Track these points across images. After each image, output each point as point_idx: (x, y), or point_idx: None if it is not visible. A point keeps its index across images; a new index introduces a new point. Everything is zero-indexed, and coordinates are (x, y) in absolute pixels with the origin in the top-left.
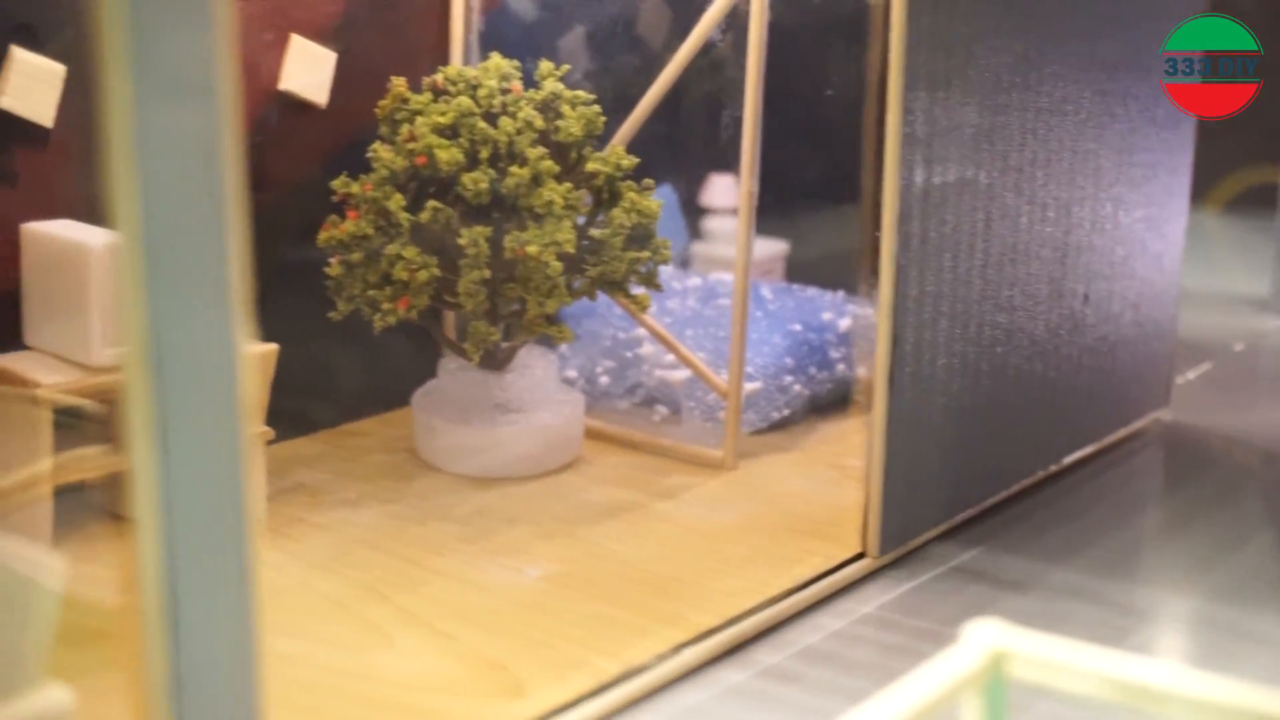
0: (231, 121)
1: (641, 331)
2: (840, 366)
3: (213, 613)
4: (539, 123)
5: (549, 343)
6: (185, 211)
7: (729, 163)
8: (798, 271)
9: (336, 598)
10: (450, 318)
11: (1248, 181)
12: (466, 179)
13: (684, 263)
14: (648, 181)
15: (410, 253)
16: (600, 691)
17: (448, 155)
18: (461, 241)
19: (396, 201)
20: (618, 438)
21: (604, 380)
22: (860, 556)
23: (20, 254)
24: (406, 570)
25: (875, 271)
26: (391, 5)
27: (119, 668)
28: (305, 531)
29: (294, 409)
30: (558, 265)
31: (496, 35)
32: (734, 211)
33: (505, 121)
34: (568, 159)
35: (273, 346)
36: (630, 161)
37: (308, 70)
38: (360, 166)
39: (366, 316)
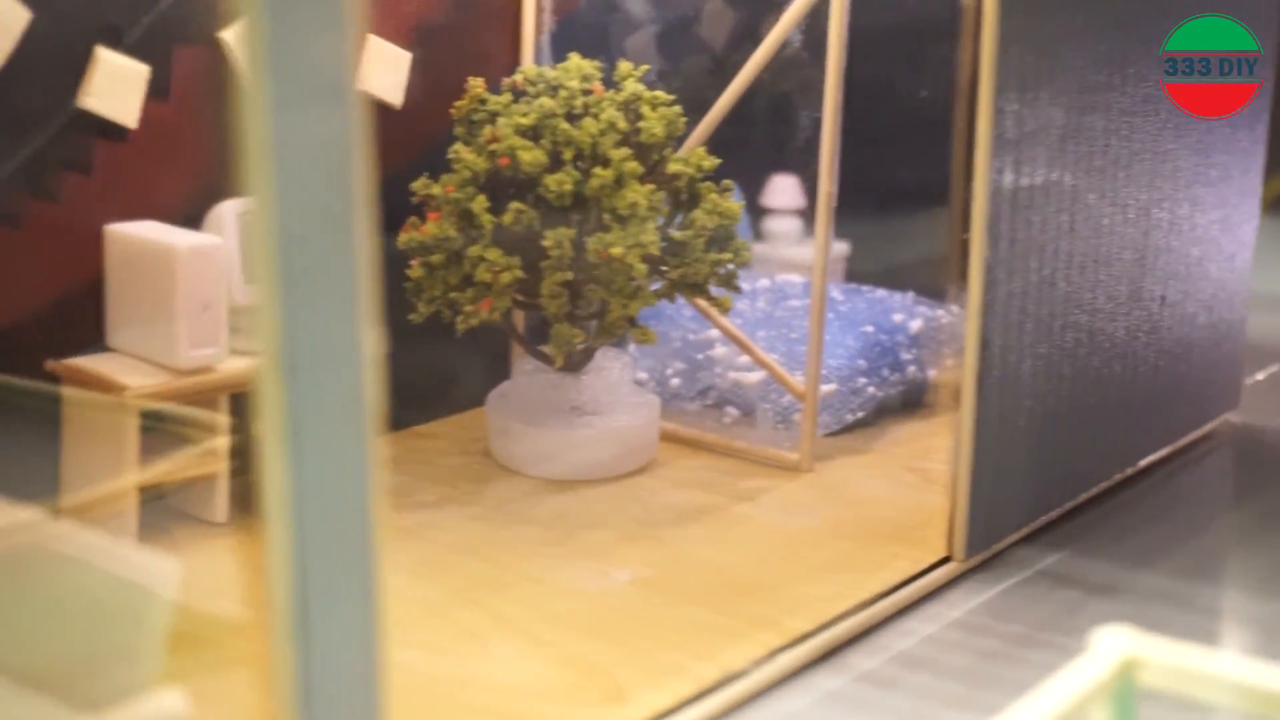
0: (362, 125)
1: (713, 333)
2: (911, 368)
3: (341, 620)
4: (622, 124)
5: (621, 344)
6: (319, 215)
7: (794, 163)
8: (857, 273)
9: (429, 602)
10: (520, 318)
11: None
12: (550, 180)
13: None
14: (727, 183)
15: (493, 254)
16: (701, 697)
17: (531, 156)
18: (546, 243)
19: (480, 203)
20: (690, 440)
21: (674, 382)
22: (946, 560)
23: (103, 254)
24: (494, 574)
25: (963, 274)
26: (466, 6)
27: (224, 672)
28: (389, 535)
29: None
30: (642, 267)
31: (566, 36)
32: (796, 212)
33: (588, 123)
34: (649, 160)
35: None
36: (711, 163)
37: (384, 71)
38: (435, 168)
39: (446, 319)
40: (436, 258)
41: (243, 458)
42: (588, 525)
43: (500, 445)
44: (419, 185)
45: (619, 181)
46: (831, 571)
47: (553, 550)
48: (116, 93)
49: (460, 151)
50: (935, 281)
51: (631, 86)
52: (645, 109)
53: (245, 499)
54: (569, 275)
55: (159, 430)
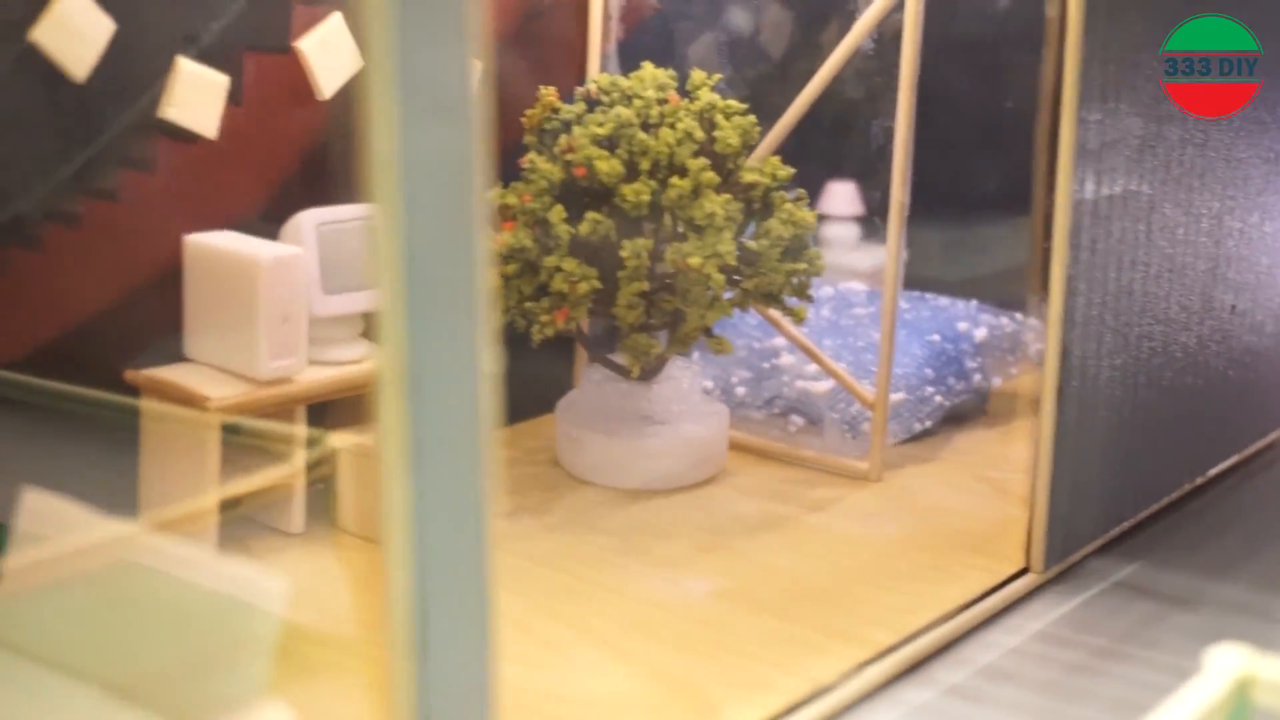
0: (483, 139)
1: (779, 342)
2: (976, 377)
3: (459, 637)
4: (699, 133)
5: (686, 353)
6: (442, 231)
7: (854, 170)
8: (914, 279)
9: (511, 614)
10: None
11: None
12: (627, 190)
13: None
14: (800, 192)
15: (570, 264)
16: (792, 711)
17: (608, 166)
18: (624, 254)
19: (558, 213)
20: (757, 449)
21: (740, 391)
22: (1024, 572)
23: (182, 264)
24: (572, 585)
25: (1044, 284)
26: (534, 15)
27: (325, 685)
28: None
29: None
30: (720, 277)
31: (633, 46)
32: (855, 219)
33: (665, 132)
34: (724, 169)
35: None
36: (786, 172)
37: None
38: (503, 177)
39: (520, 329)
40: (511, 267)
41: (320, 469)
42: (662, 535)
43: (570, 454)
44: (494, 195)
45: (696, 191)
46: (908, 582)
47: (629, 561)
48: (196, 103)
49: (536, 161)
50: (997, 289)
51: (706, 95)
52: (720, 118)
53: (320, 509)
54: (645, 285)
55: (239, 442)
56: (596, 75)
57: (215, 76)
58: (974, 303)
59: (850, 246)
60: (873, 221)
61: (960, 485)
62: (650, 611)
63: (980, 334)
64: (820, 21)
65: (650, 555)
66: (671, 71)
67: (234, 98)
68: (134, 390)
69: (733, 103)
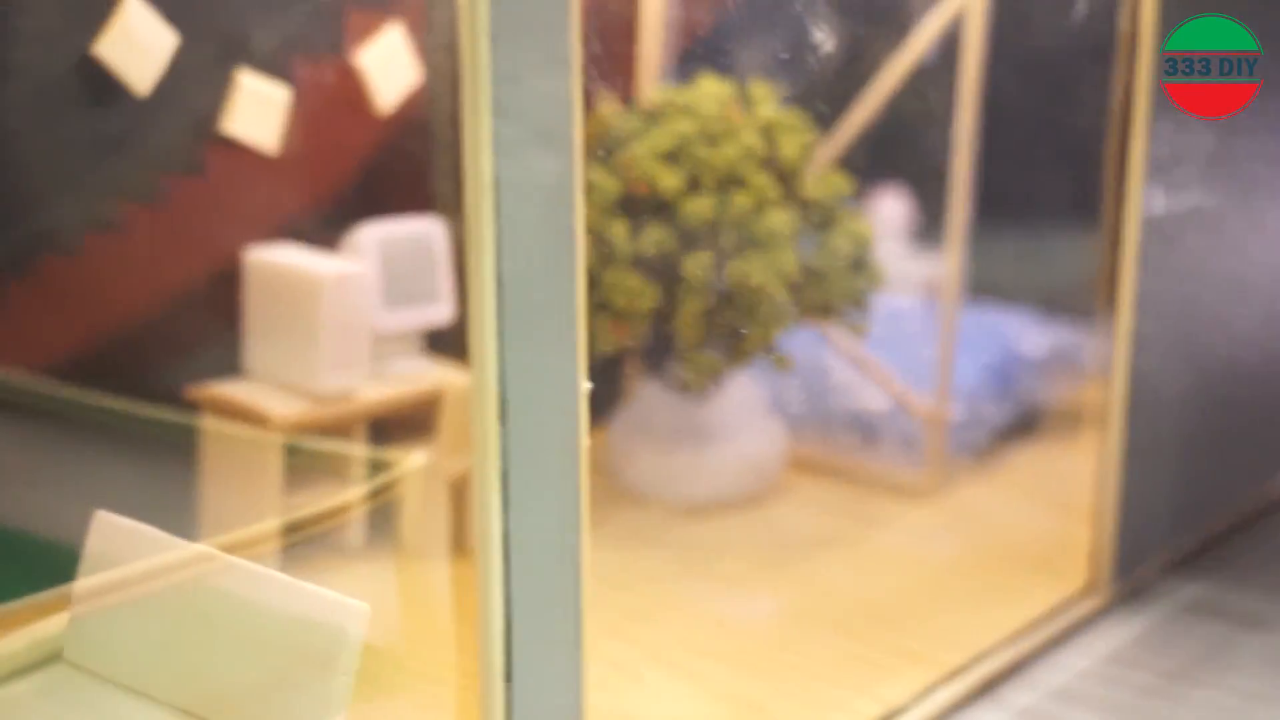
0: (579, 164)
1: (835, 356)
2: (1030, 392)
3: (551, 661)
4: (761, 148)
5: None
6: (538, 257)
7: (904, 180)
8: (969, 292)
9: None
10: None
11: None
12: (689, 205)
13: None
14: (858, 207)
15: (632, 281)
16: None
17: (670, 181)
18: (686, 270)
19: (620, 228)
20: (811, 464)
21: (796, 405)
22: (1090, 591)
23: (242, 277)
24: (636, 604)
25: (1111, 298)
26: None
27: (399, 707)
28: None
29: None
30: (783, 293)
31: (690, 58)
32: (905, 231)
33: (728, 146)
34: (786, 183)
35: None
36: (848, 187)
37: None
38: None
39: None
40: None
41: (382, 486)
42: (721, 553)
43: (624, 469)
44: None
45: (758, 206)
46: (972, 601)
47: (690, 579)
48: (257, 117)
49: (594, 175)
50: (1054, 302)
51: (768, 109)
52: (781, 132)
53: (380, 527)
54: (707, 302)
55: (302, 459)
56: (653, 88)
57: (275, 90)
58: (1026, 316)
59: (901, 258)
60: (924, 233)
61: (1019, 501)
62: (715, 631)
63: (1034, 347)
64: (879, 32)
65: (711, 573)
66: (733, 85)
67: (290, 107)
68: (188, 404)
69: (794, 116)
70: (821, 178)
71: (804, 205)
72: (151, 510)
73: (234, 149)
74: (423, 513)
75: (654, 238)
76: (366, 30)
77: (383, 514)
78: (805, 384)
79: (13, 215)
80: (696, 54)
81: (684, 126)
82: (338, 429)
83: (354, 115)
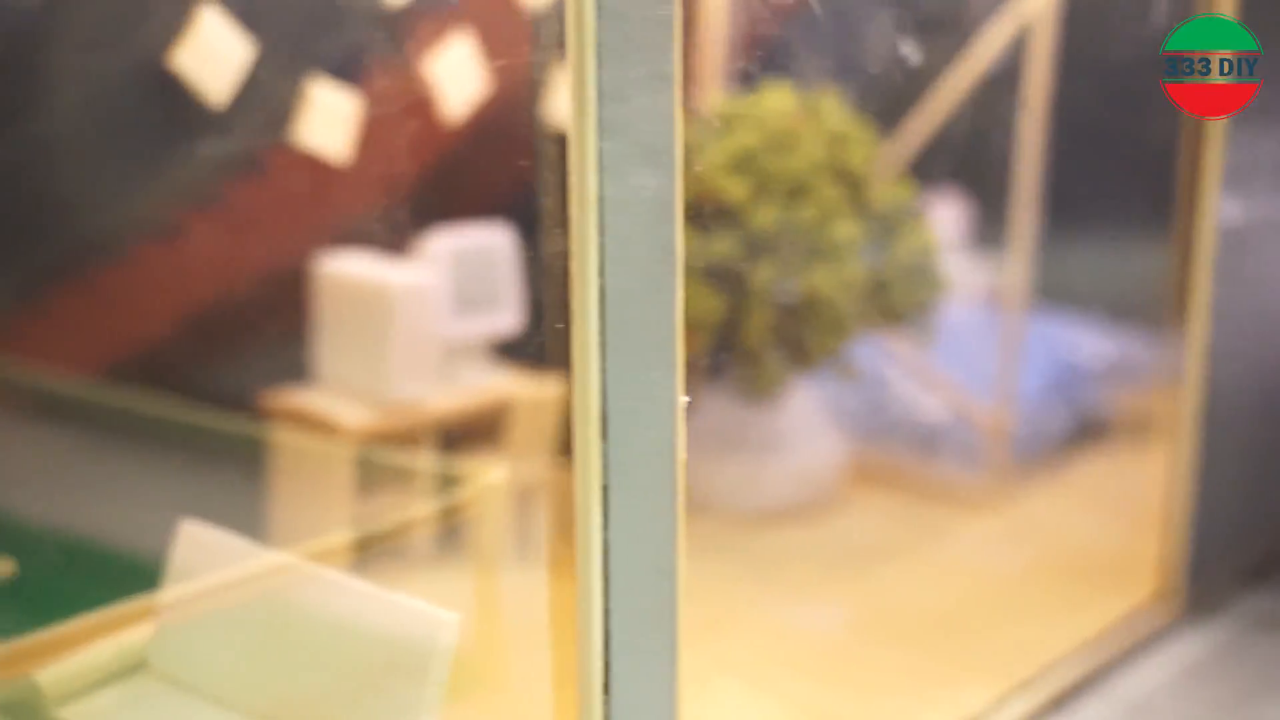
0: (680, 180)
1: (895, 365)
2: (1093, 399)
3: (647, 676)
4: (827, 157)
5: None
6: (641, 274)
7: (965, 187)
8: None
9: None
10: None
11: None
12: (756, 215)
13: None
14: (923, 216)
15: (701, 291)
16: None
17: (738, 191)
18: (753, 280)
19: (688, 239)
20: (872, 473)
21: (856, 414)
22: (1160, 603)
23: (313, 285)
24: (703, 614)
25: (1183, 307)
26: None
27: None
28: None
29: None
30: (849, 302)
31: (751, 65)
32: (964, 238)
33: (795, 155)
34: (851, 192)
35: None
36: (913, 196)
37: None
38: None
39: None
40: None
41: (454, 496)
42: (784, 563)
43: (685, 478)
44: None
45: (825, 215)
46: (1038, 612)
47: (756, 589)
48: (328, 127)
49: None
50: (1118, 310)
51: (834, 118)
52: (848, 142)
53: (451, 536)
54: (773, 312)
55: (374, 469)
56: (719, 97)
57: (345, 101)
58: (1088, 323)
59: (958, 265)
60: (982, 239)
61: (1084, 512)
62: (783, 641)
63: (1095, 355)
64: (943, 40)
65: (776, 583)
66: (799, 93)
67: (358, 116)
68: (258, 411)
69: (860, 125)
70: (887, 187)
71: (870, 215)
72: (223, 519)
73: (304, 158)
74: (500, 524)
75: (721, 248)
76: (435, 40)
77: (450, 523)
78: (865, 393)
79: (77, 220)
80: (759, 63)
81: (750, 138)
82: (408, 437)
83: (422, 124)
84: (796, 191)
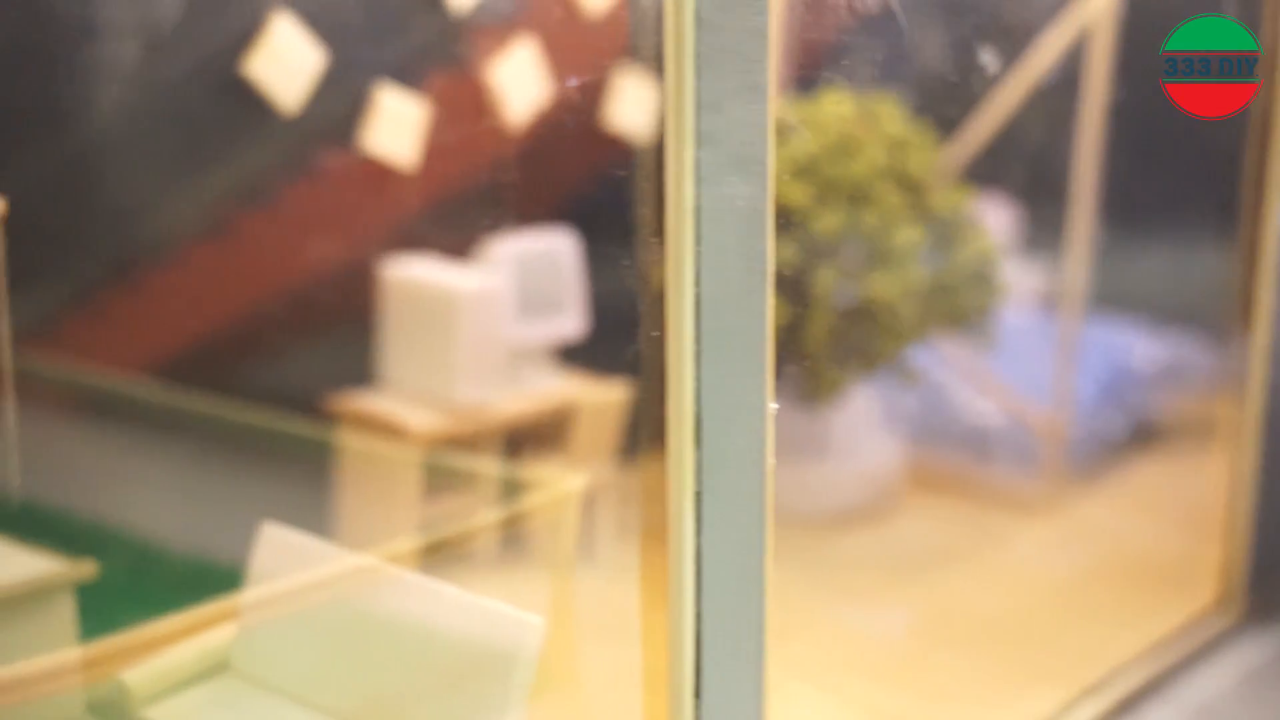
0: (772, 188)
1: (951, 369)
2: (1146, 404)
3: (736, 682)
4: (889, 163)
5: None
6: (734, 282)
7: (1016, 189)
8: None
9: None
10: None
11: None
12: (818, 220)
13: None
14: (982, 221)
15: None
16: None
17: (800, 197)
18: (815, 286)
19: None
20: (927, 478)
21: (912, 419)
22: (1222, 608)
23: (379, 290)
24: (769, 618)
25: (1246, 313)
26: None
27: None
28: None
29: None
30: (910, 307)
31: (809, 71)
32: (1010, 239)
33: (857, 161)
34: (913, 198)
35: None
36: (973, 202)
37: (634, 107)
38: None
39: None
40: None
41: (520, 500)
42: (845, 568)
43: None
44: None
45: (887, 221)
46: (1100, 617)
47: (818, 594)
48: (395, 134)
49: None
50: (1174, 313)
51: (893, 123)
52: (909, 148)
53: (515, 540)
54: (835, 317)
55: (442, 473)
56: (777, 103)
57: (411, 108)
58: (1142, 326)
59: (1010, 269)
60: (1034, 242)
61: (1141, 516)
62: (847, 645)
63: (1147, 359)
64: (1000, 44)
65: (838, 588)
66: (859, 99)
67: (424, 122)
68: (324, 414)
69: (920, 131)
70: (947, 193)
71: (930, 220)
72: (292, 521)
73: (371, 163)
74: (575, 530)
75: (784, 254)
76: (498, 47)
77: (517, 528)
78: (921, 397)
79: (144, 219)
80: (818, 68)
81: (811, 144)
82: (474, 441)
83: (485, 129)
84: (858, 197)
